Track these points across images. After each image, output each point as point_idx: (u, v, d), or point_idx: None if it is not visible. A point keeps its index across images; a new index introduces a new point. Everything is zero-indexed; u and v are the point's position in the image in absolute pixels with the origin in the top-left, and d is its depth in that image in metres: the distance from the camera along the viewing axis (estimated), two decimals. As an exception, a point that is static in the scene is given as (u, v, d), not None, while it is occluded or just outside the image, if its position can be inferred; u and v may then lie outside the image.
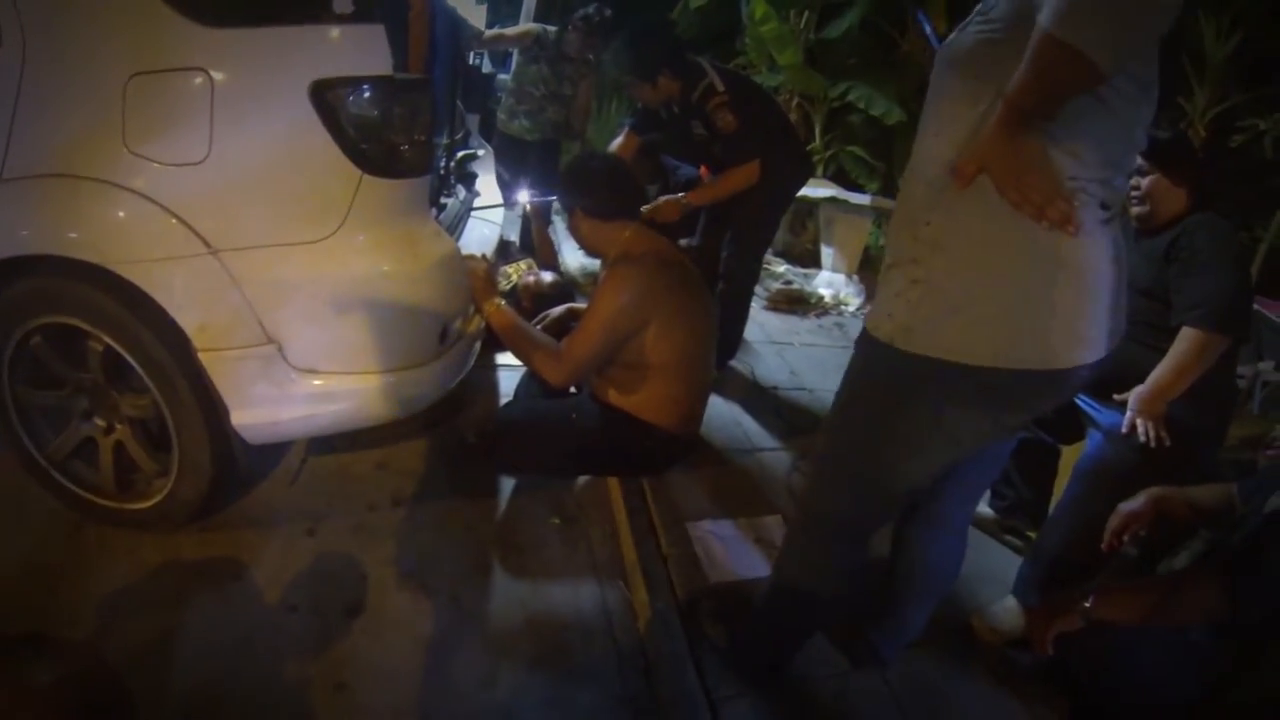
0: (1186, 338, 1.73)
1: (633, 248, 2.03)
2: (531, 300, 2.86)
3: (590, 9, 3.84)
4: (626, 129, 3.08)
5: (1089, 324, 1.14)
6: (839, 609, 1.68)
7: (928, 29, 2.68)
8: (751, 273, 3.20)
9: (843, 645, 1.81)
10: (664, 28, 4.10)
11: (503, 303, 1.99)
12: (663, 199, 2.86)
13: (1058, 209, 1.04)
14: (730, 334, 3.21)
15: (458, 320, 1.94)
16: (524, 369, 2.43)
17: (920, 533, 1.63)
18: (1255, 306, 3.28)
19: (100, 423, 1.90)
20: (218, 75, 1.54)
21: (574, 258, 4.47)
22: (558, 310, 2.47)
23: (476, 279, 1.96)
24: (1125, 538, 1.52)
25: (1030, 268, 1.11)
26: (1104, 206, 1.10)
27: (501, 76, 4.52)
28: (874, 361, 1.29)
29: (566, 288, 3.03)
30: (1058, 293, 1.11)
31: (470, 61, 3.96)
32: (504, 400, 2.62)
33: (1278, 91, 4.30)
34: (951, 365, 1.16)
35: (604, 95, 7.54)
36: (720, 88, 2.67)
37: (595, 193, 2.05)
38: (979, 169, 1.09)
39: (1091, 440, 1.96)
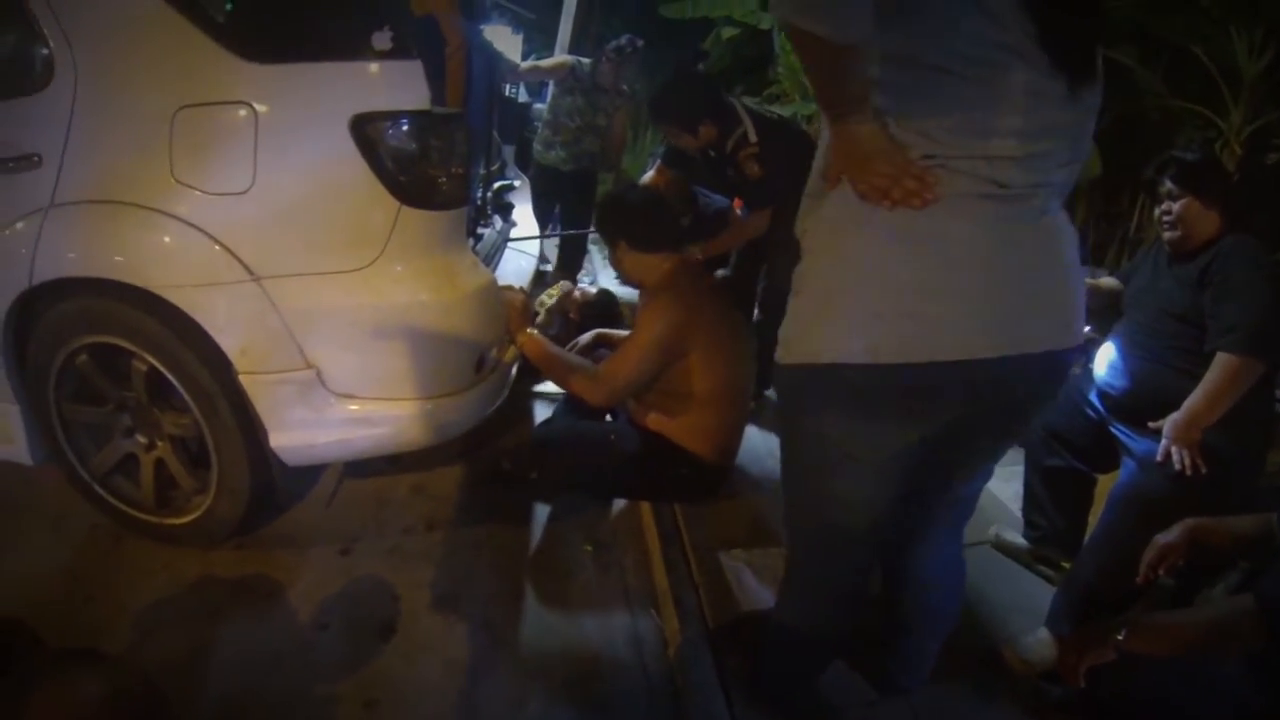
0: (1221, 363, 1.69)
1: (674, 279, 2.07)
2: (579, 311, 2.90)
3: (622, 40, 3.87)
4: (658, 162, 3.10)
5: (956, 310, 1.04)
6: (845, 642, 1.62)
7: None
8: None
9: (865, 675, 1.79)
10: (703, 75, 4.10)
11: (536, 332, 2.02)
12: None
13: (902, 188, 1.00)
14: (767, 364, 3.20)
15: (494, 349, 1.97)
16: (561, 396, 2.48)
17: (909, 560, 1.55)
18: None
19: (142, 439, 1.95)
20: (262, 109, 1.59)
21: (611, 286, 4.48)
22: (586, 337, 2.50)
23: (513, 310, 1.99)
24: (1161, 570, 1.50)
25: (872, 248, 1.05)
26: (991, 181, 1.01)
27: (538, 106, 4.56)
28: (777, 388, 1.28)
29: (611, 297, 3.07)
30: (906, 275, 1.03)
31: (506, 92, 4.01)
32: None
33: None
34: (815, 369, 1.12)
35: (639, 126, 7.58)
36: (752, 138, 2.68)
37: (637, 224, 2.08)
38: (839, 172, 1.07)
39: (1126, 469, 1.93)
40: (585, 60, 3.98)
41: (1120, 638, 1.26)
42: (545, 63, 4.04)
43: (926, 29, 0.96)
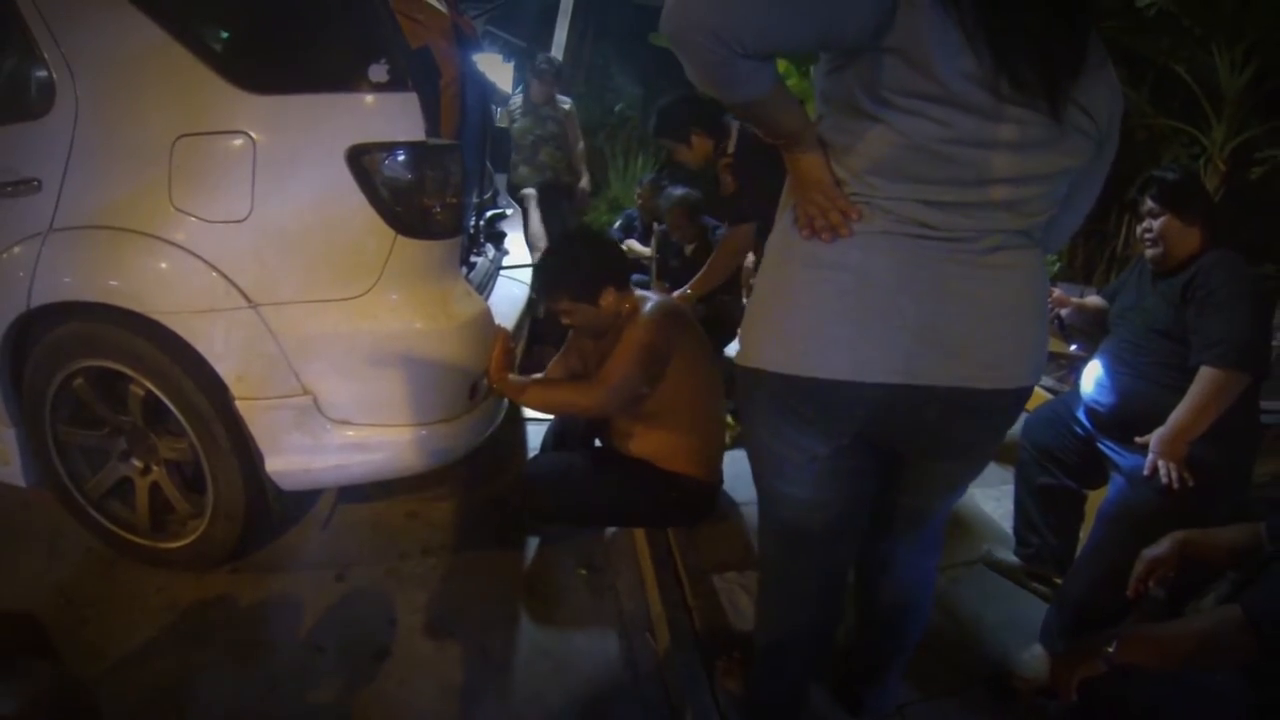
0: (1205, 377, 1.71)
1: (639, 304, 2.02)
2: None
3: (540, 60, 4.47)
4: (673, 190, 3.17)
5: (850, 334, 1.09)
6: (824, 648, 1.62)
7: None
8: None
9: (837, 696, 1.79)
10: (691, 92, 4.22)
11: (513, 376, 1.98)
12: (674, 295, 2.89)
13: (826, 220, 1.07)
14: None
15: (487, 377, 1.97)
16: (548, 426, 2.45)
17: (872, 575, 1.57)
18: (1284, 340, 3.24)
19: (138, 463, 1.96)
20: (260, 138, 1.61)
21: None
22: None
23: (494, 355, 1.92)
24: (1151, 583, 1.51)
25: (788, 268, 1.14)
26: (917, 223, 1.05)
27: None
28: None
29: None
30: (811, 295, 1.10)
31: (497, 122, 4.21)
32: (532, 453, 2.64)
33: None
34: (746, 372, 1.21)
35: (629, 152, 7.66)
36: (730, 150, 2.70)
37: (580, 271, 1.94)
38: (790, 193, 1.16)
39: (1114, 484, 1.95)
40: (514, 96, 4.58)
41: (1110, 650, 1.28)
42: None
43: (862, 79, 1.00)
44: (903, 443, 1.28)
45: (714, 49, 0.90)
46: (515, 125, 4.46)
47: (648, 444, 2.07)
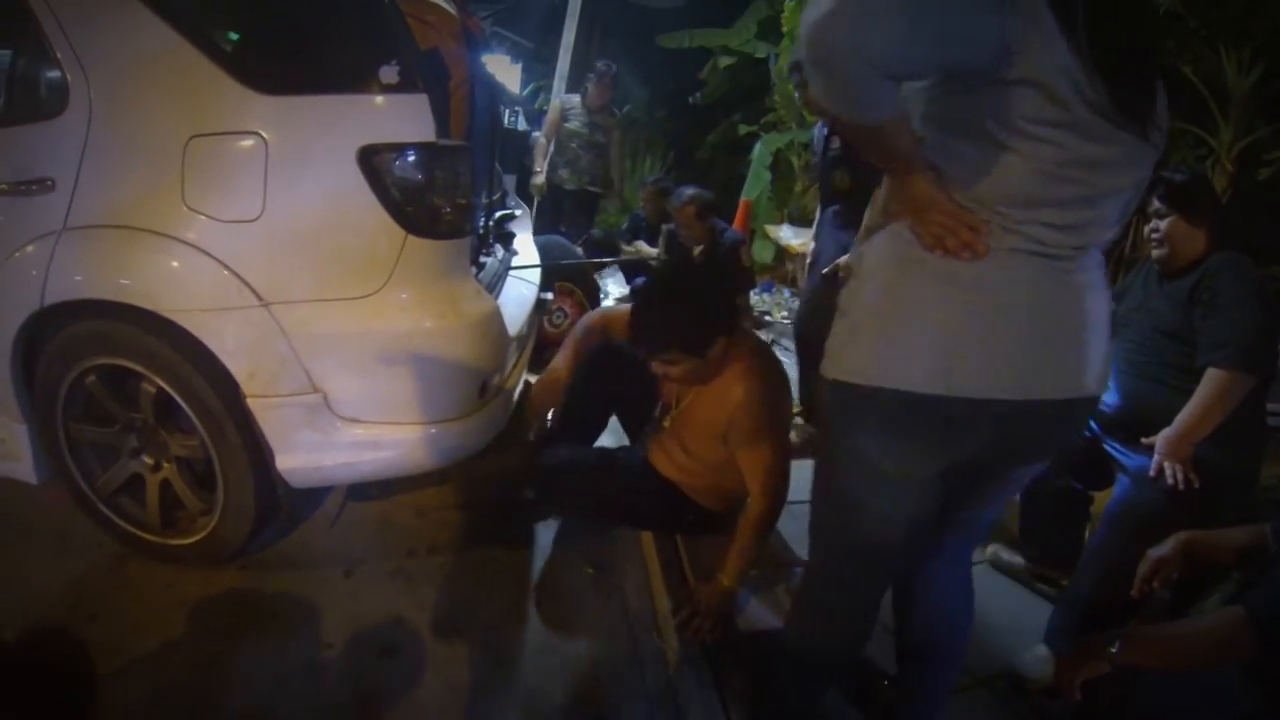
0: (1212, 378, 1.72)
1: (744, 350, 1.87)
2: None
3: (600, 64, 4.53)
4: (686, 193, 3.16)
5: (988, 352, 1.10)
6: (851, 663, 1.60)
7: None
8: None
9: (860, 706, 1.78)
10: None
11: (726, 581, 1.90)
12: None
13: (957, 237, 1.06)
14: None
15: (496, 376, 1.99)
16: (558, 416, 2.36)
17: (917, 584, 1.56)
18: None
19: (148, 460, 1.97)
20: (272, 139, 1.63)
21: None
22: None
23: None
24: (1155, 583, 1.51)
25: (920, 286, 1.11)
26: (1039, 242, 1.07)
27: (535, 134, 4.90)
28: (818, 404, 1.32)
29: None
30: (947, 314, 1.10)
31: (506, 122, 4.24)
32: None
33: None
34: (853, 388, 1.17)
35: (637, 153, 7.68)
36: (837, 144, 2.69)
37: (694, 323, 1.76)
38: (896, 213, 1.14)
39: (1120, 485, 1.95)
40: (574, 96, 4.56)
41: (1113, 651, 1.28)
42: (549, 123, 4.56)
43: (992, 106, 1.01)
44: (1003, 456, 1.27)
45: (859, 70, 0.91)
46: (566, 125, 4.46)
47: (685, 475, 2.04)
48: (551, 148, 4.52)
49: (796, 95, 2.90)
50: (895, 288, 1.14)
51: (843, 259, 2.72)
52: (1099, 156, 1.04)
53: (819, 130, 2.98)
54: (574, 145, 4.42)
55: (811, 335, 3.04)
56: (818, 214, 3.25)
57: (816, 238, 3.13)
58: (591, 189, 4.59)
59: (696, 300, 1.79)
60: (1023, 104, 0.99)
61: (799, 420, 3.16)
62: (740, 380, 1.85)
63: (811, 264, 3.22)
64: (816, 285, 2.93)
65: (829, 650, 1.50)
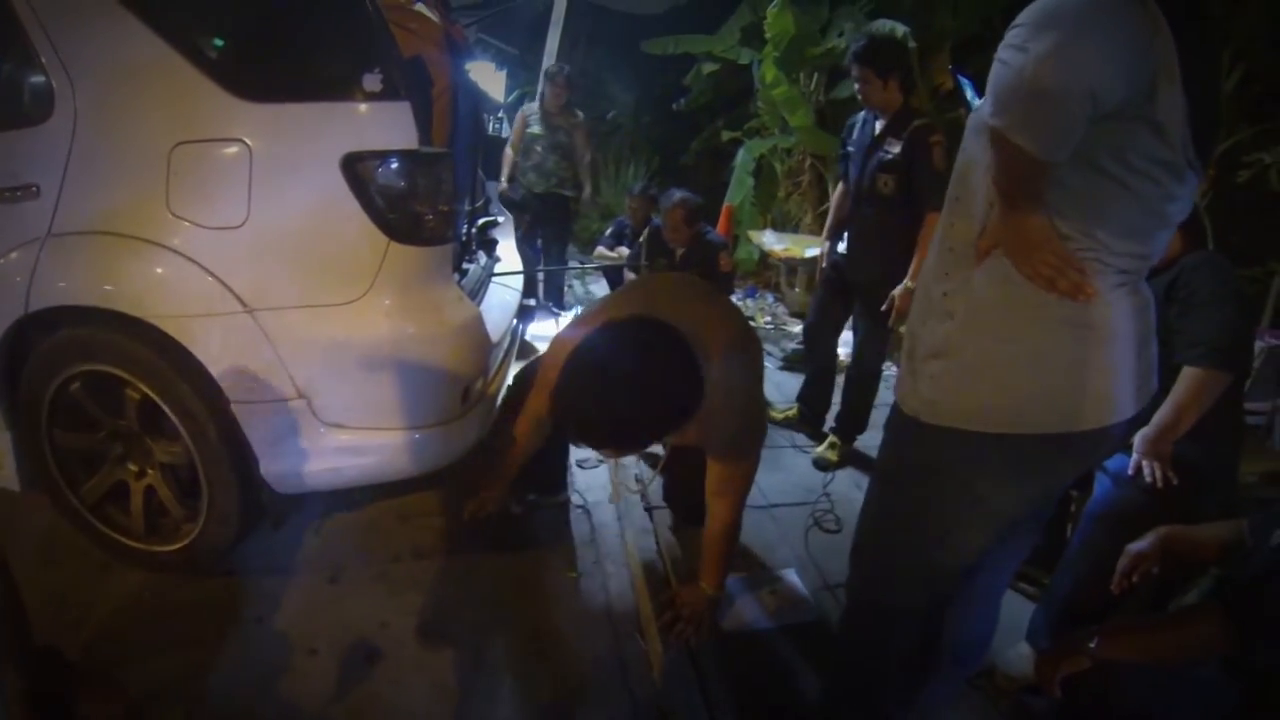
0: (1188, 376, 1.74)
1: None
2: None
3: (551, 66, 4.64)
4: (676, 196, 3.16)
5: (1109, 384, 1.16)
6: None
7: (969, 91, 2.66)
8: (880, 354, 3.12)
9: None
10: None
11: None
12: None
13: (1068, 279, 1.08)
14: (860, 410, 3.20)
15: (479, 381, 2.00)
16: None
17: (958, 601, 1.52)
18: (1273, 341, 3.28)
19: (133, 467, 1.97)
20: (256, 146, 1.64)
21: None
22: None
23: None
24: (1135, 578, 1.53)
25: (1043, 332, 1.14)
26: (1123, 272, 1.13)
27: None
28: (904, 440, 1.32)
29: None
30: (1072, 355, 1.14)
31: (489, 130, 4.27)
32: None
33: (1281, 125, 4.31)
34: (974, 435, 1.19)
35: (622, 158, 7.70)
36: (938, 137, 2.64)
37: (652, 427, 1.54)
38: (993, 246, 1.14)
39: (1099, 484, 1.97)
40: (533, 103, 4.62)
41: (1092, 646, 1.30)
42: (514, 133, 4.66)
43: (1110, 142, 1.04)
44: (1094, 467, 1.37)
45: (1085, 107, 0.95)
46: (529, 131, 4.52)
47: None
48: (520, 157, 4.58)
49: (857, 88, 2.80)
50: (1018, 335, 1.16)
51: (897, 289, 2.75)
52: (1177, 193, 1.10)
53: (862, 124, 2.93)
54: (538, 149, 4.47)
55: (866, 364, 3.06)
56: (831, 215, 3.23)
57: (835, 236, 3.12)
58: (561, 191, 4.61)
59: (653, 397, 1.47)
60: (1139, 142, 1.03)
61: (832, 437, 3.17)
62: (718, 414, 1.68)
63: (823, 258, 3.22)
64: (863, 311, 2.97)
65: (878, 677, 1.51)
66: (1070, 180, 1.08)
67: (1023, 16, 0.98)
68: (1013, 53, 0.98)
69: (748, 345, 1.82)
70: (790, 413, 3.46)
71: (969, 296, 1.19)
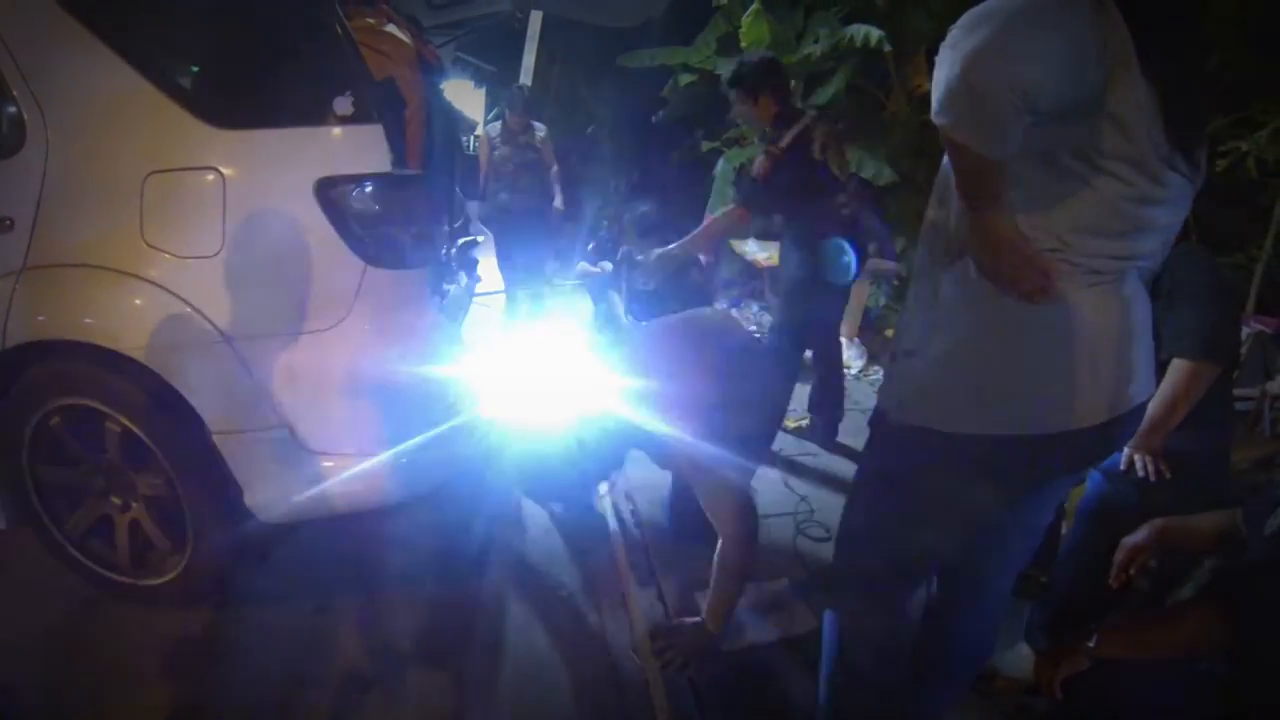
0: (1176, 369, 1.73)
1: None
2: None
3: (513, 88, 4.77)
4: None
5: (1069, 387, 1.14)
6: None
7: None
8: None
9: None
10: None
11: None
12: (657, 254, 2.98)
13: (1030, 281, 1.07)
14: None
15: (463, 404, 1.98)
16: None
17: (956, 602, 1.54)
18: (1258, 326, 3.30)
19: (116, 500, 1.94)
20: (229, 173, 1.63)
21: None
22: None
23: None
24: (1132, 571, 1.53)
25: (1001, 334, 1.14)
26: (1095, 273, 1.12)
27: None
28: (876, 437, 1.33)
29: None
30: (1029, 358, 1.13)
31: (469, 149, 4.34)
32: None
33: (1257, 112, 4.35)
34: (935, 433, 1.19)
35: (603, 175, 7.73)
36: (784, 142, 2.80)
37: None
38: (962, 247, 1.14)
39: (1092, 480, 1.96)
40: (494, 124, 4.71)
41: (1091, 645, 1.30)
42: (480, 157, 4.73)
43: (1072, 140, 1.04)
44: (1059, 474, 1.30)
45: (1015, 105, 0.94)
46: (495, 153, 4.58)
47: None
48: (491, 180, 4.65)
49: (734, 112, 3.01)
50: (977, 336, 1.16)
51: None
52: (1154, 195, 1.08)
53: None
54: (508, 169, 4.55)
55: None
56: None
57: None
58: (542, 206, 4.70)
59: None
60: (1099, 138, 1.03)
61: None
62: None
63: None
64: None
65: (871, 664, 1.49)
66: (1032, 178, 1.07)
67: (964, 16, 0.97)
68: (947, 51, 0.97)
69: None
70: (803, 422, 3.48)
71: (938, 297, 1.20)
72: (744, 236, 5.04)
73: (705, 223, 2.95)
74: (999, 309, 1.12)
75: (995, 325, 1.14)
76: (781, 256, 3.23)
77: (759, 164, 2.83)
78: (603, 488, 2.69)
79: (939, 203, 1.22)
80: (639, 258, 3.16)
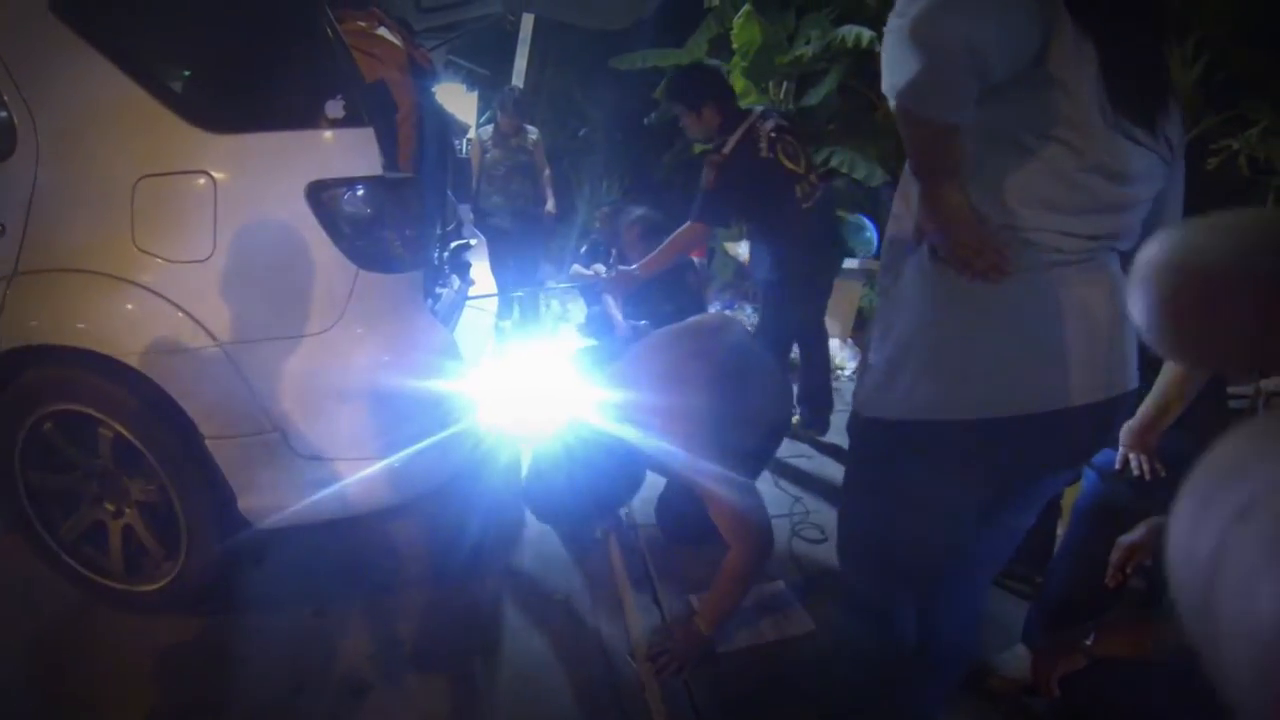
0: (1170, 367, 1.73)
1: None
2: None
3: (505, 90, 4.70)
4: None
5: (1029, 369, 1.12)
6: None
7: None
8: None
9: None
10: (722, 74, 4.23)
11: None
12: (617, 271, 2.97)
13: (985, 259, 1.06)
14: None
15: (456, 408, 1.95)
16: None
17: (939, 601, 1.53)
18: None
19: (109, 506, 1.93)
20: (220, 177, 1.62)
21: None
22: None
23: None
24: (1128, 570, 1.53)
25: (958, 316, 1.13)
26: (1058, 250, 1.10)
27: None
28: (851, 437, 1.33)
29: None
30: (985, 339, 1.12)
31: (460, 153, 4.33)
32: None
33: (1247, 111, 4.38)
34: (895, 423, 1.18)
35: (595, 178, 7.73)
36: (727, 149, 2.75)
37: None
38: (920, 232, 1.14)
39: (1087, 479, 1.97)
40: (485, 127, 4.69)
41: (1088, 644, 1.30)
42: (473, 161, 4.67)
43: (1024, 113, 1.03)
44: (1050, 465, 1.29)
45: (964, 63, 0.93)
46: (488, 156, 4.57)
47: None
48: (484, 184, 4.63)
49: (684, 125, 2.97)
50: (937, 322, 1.15)
51: None
52: (1111, 166, 1.06)
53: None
54: (500, 172, 4.52)
55: None
56: None
57: None
58: (534, 209, 4.67)
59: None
60: (1045, 108, 1.02)
61: None
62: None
63: None
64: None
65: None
66: (985, 156, 1.07)
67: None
68: (894, 20, 0.97)
69: None
70: (794, 418, 3.47)
71: (900, 286, 1.20)
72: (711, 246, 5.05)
73: (665, 242, 2.88)
74: (954, 291, 1.11)
75: (953, 308, 1.13)
76: (751, 261, 3.22)
77: (704, 175, 2.79)
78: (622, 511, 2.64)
79: (901, 198, 1.22)
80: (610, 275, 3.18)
